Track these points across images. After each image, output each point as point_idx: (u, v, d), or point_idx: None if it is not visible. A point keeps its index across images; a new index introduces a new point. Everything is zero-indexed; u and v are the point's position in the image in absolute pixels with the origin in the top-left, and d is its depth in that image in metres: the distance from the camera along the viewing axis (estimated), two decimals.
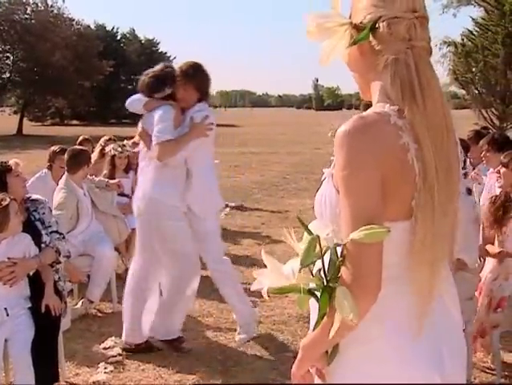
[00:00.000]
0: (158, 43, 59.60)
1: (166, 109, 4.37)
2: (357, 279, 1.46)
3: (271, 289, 1.54)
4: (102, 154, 6.86)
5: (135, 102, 4.61)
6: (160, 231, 4.40)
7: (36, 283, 3.65)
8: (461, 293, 3.70)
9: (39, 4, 39.15)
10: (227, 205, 11.06)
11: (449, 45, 22.83)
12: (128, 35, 59.05)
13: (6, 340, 3.43)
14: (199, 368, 4.30)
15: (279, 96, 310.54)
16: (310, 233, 1.52)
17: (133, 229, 6.25)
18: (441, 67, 22.60)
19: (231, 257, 7.11)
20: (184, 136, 4.39)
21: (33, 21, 38.24)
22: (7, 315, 3.46)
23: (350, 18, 1.64)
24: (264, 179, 14.91)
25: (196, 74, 4.54)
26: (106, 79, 42.23)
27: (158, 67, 4.55)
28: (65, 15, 40.35)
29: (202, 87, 4.58)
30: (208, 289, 5.45)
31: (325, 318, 1.52)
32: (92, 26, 52.50)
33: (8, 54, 39.79)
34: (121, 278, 6.05)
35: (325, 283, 1.50)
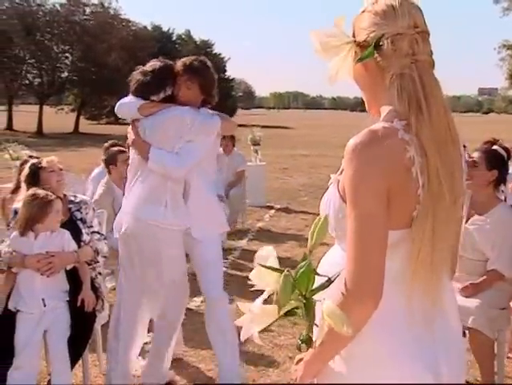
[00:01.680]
0: (213, 44, 60.12)
1: (181, 109, 3.73)
2: (359, 287, 1.51)
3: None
4: None
5: (126, 105, 3.80)
6: (150, 257, 3.78)
7: (75, 279, 3.75)
8: (494, 302, 3.70)
9: (98, 5, 40.03)
10: (273, 207, 11.15)
11: (508, 48, 22.37)
12: (183, 36, 59.77)
13: (45, 331, 3.55)
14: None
15: (333, 98, 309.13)
16: (277, 270, 1.54)
17: None
18: (500, 71, 22.20)
19: None
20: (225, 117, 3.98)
21: (91, 22, 39.17)
22: (44, 306, 3.57)
23: (353, 36, 1.68)
24: (312, 181, 14.93)
25: (202, 71, 3.87)
26: None
27: (155, 63, 3.80)
28: (121, 16, 41.20)
29: (208, 87, 3.91)
30: (241, 289, 5.49)
31: (323, 334, 1.54)
32: (149, 27, 53.47)
33: (67, 54, 40.88)
34: None
35: (303, 300, 1.53)
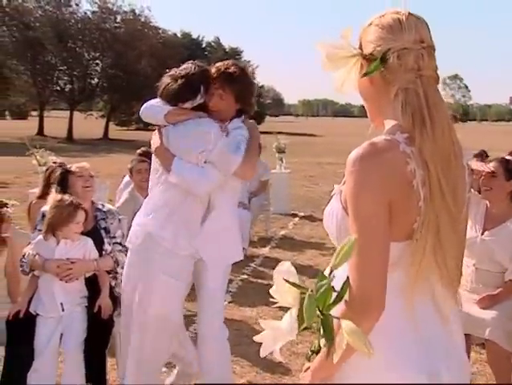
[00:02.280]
0: (241, 52, 60.37)
1: (210, 125, 3.36)
2: (361, 299, 1.53)
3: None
4: None
5: (152, 109, 3.46)
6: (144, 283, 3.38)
7: (94, 286, 3.83)
8: None
9: (129, 13, 40.48)
10: (297, 215, 11.15)
11: None
12: (212, 43, 60.11)
13: (62, 334, 3.62)
14: (250, 373, 4.38)
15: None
16: (299, 287, 1.55)
17: None
18: None
19: (295, 266, 7.21)
20: (251, 146, 3.44)
21: (122, 29, 39.60)
22: (63, 310, 3.65)
23: (359, 48, 1.70)
24: None
25: (238, 79, 3.42)
26: None
27: (189, 66, 3.42)
28: (152, 24, 41.58)
29: (244, 96, 3.50)
30: (261, 296, 5.51)
31: (339, 350, 1.55)
32: (179, 35, 53.91)
33: (97, 61, 41.41)
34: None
35: (320, 315, 1.54)
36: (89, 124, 43.67)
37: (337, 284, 1.60)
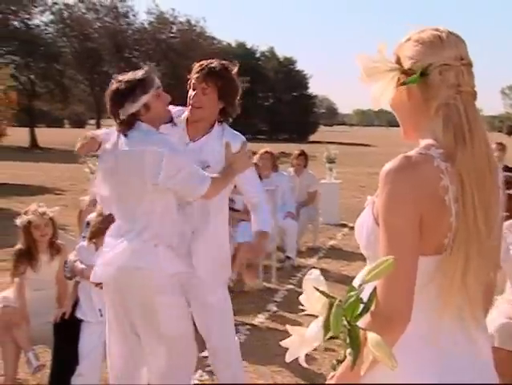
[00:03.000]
0: (295, 61, 60.49)
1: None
2: (387, 312, 1.53)
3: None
4: None
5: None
6: (143, 309, 3.09)
7: None
8: None
9: (184, 23, 41.10)
10: (346, 225, 11.07)
11: None
12: (266, 53, 60.42)
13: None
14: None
15: None
16: (329, 296, 1.56)
17: (239, 243, 6.49)
18: None
19: (341, 277, 7.19)
20: (227, 172, 3.31)
21: (177, 39, 40.23)
22: (101, 316, 3.72)
23: (397, 63, 1.70)
24: None
25: (220, 73, 3.31)
26: (242, 96, 43.38)
27: (136, 72, 3.15)
28: (207, 34, 42.10)
29: (227, 94, 3.37)
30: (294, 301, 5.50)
31: (367, 362, 1.55)
32: (233, 45, 54.41)
33: None
34: (230, 290, 6.30)
35: (347, 326, 1.54)
36: None
37: (365, 294, 1.60)
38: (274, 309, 6.16)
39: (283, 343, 1.62)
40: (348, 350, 1.57)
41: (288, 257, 7.95)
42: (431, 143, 1.62)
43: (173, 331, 3.12)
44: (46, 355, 4.32)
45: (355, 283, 1.75)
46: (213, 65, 3.33)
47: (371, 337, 1.45)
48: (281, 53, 64.46)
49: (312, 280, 1.60)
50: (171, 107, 3.40)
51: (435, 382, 1.59)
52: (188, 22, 41.02)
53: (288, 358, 1.63)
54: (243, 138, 3.55)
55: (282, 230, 7.94)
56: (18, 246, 4.27)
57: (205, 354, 4.77)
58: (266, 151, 8.24)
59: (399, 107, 1.75)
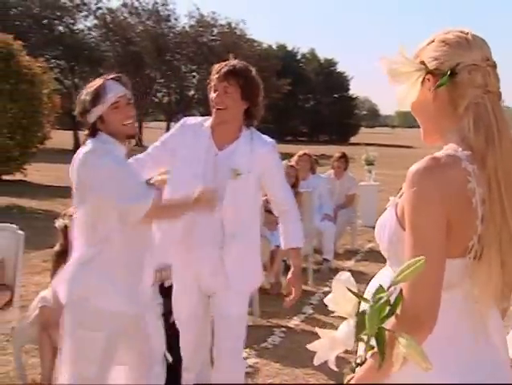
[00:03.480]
0: (336, 63, 60.19)
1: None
2: (414, 313, 1.51)
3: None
4: None
5: None
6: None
7: (168, 293, 3.90)
8: None
9: (225, 26, 41.30)
10: None
11: None
12: (307, 55, 60.28)
13: None
14: None
15: None
16: (362, 298, 1.55)
17: (277, 246, 6.48)
18: None
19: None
20: (185, 203, 3.15)
21: (218, 42, 40.44)
22: None
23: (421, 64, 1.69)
24: None
25: (242, 72, 3.26)
26: (283, 98, 43.45)
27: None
28: (247, 36, 42.18)
29: (250, 93, 3.29)
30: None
31: (397, 363, 1.53)
32: (274, 47, 54.45)
33: (194, 74, 42.49)
34: (267, 293, 6.34)
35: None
36: None
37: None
38: (310, 311, 6.14)
39: (311, 347, 1.62)
40: (369, 353, 1.56)
41: (325, 260, 7.92)
42: (457, 145, 1.61)
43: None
44: None
45: (373, 285, 1.73)
46: (232, 64, 3.27)
47: (403, 338, 1.44)
48: (322, 54, 64.32)
49: (342, 281, 1.60)
50: (195, 118, 3.46)
51: (457, 381, 1.58)
52: (229, 24, 41.19)
53: (316, 361, 1.63)
54: (273, 142, 3.47)
55: (320, 232, 7.92)
56: (57, 248, 4.35)
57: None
58: (305, 153, 8.24)
59: (422, 109, 1.73)
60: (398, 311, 1.52)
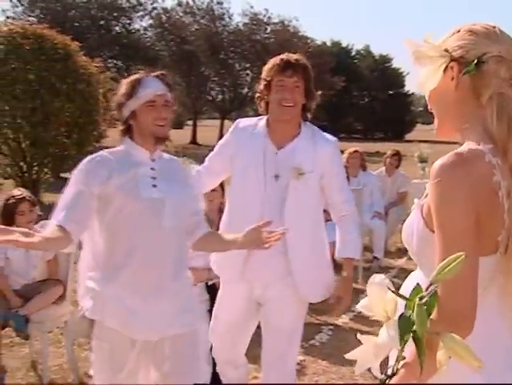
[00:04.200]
0: (391, 59, 59.36)
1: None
2: (452, 313, 1.49)
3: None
4: None
5: None
6: None
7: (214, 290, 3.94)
8: None
9: (278, 24, 41.26)
10: None
11: None
12: (362, 51, 59.67)
13: None
14: None
15: None
16: (405, 298, 1.52)
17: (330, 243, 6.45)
18: None
19: None
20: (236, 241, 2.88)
21: (271, 40, 40.45)
22: None
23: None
24: None
25: (307, 66, 3.18)
26: (337, 95, 43.15)
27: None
28: (300, 34, 42.05)
29: (311, 88, 3.19)
30: None
31: (441, 367, 1.51)
32: (328, 43, 54.13)
33: (248, 72, 42.62)
34: None
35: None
36: None
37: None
38: (359, 309, 6.08)
39: (349, 356, 1.55)
40: (401, 363, 1.52)
41: (375, 258, 7.86)
42: (478, 137, 1.58)
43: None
44: None
45: (406, 288, 1.70)
46: (295, 58, 3.14)
47: (450, 338, 1.40)
48: (377, 51, 63.55)
49: (376, 284, 1.57)
50: (249, 119, 3.34)
51: (497, 382, 1.57)
52: (282, 22, 41.14)
53: (358, 370, 1.56)
54: (336, 140, 3.32)
55: (370, 230, 7.85)
56: None
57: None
58: (355, 151, 8.19)
59: (441, 98, 1.70)
60: (434, 313, 1.50)
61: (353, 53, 58.82)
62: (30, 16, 35.99)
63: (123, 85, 2.81)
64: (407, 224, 1.71)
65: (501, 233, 1.54)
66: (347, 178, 6.95)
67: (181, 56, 38.84)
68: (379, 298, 1.54)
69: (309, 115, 3.28)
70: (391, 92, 56.51)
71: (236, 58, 41.84)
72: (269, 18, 41.08)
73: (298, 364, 4.66)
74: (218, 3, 41.03)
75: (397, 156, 9.12)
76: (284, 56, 3.15)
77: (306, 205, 3.17)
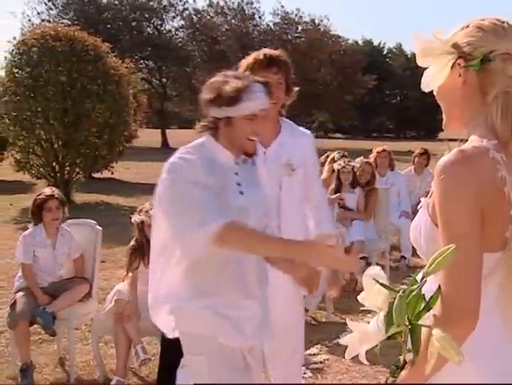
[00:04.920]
0: None
1: None
2: (455, 308, 1.49)
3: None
4: (333, 169, 7.07)
5: None
6: None
7: None
8: None
9: (309, 23, 41.17)
10: None
11: None
12: (394, 50, 59.22)
13: None
14: None
15: None
16: (391, 289, 1.53)
17: (352, 243, 6.44)
18: None
19: None
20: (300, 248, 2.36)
21: (302, 39, 40.39)
22: None
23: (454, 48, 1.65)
24: None
25: (288, 63, 3.11)
26: (369, 94, 42.96)
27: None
28: (331, 32, 41.90)
29: (290, 85, 3.12)
30: None
31: (431, 361, 1.52)
32: (360, 42, 53.90)
33: None
34: (342, 289, 6.30)
35: (407, 324, 1.51)
36: None
37: (426, 288, 1.57)
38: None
39: (342, 341, 1.61)
40: (408, 356, 1.54)
41: (403, 257, 7.81)
42: (483, 134, 1.58)
43: None
44: (153, 348, 4.55)
45: (418, 277, 1.71)
46: (276, 54, 3.07)
47: (436, 332, 1.42)
48: (409, 49, 62.82)
49: (372, 276, 1.59)
50: None
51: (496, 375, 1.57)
52: (313, 21, 41.03)
53: (347, 355, 1.62)
54: (310, 133, 3.30)
55: (397, 230, 7.81)
56: (132, 242, 4.50)
57: (309, 351, 4.83)
58: (383, 150, 8.16)
59: (449, 94, 1.69)
60: (436, 308, 1.50)
61: (385, 51, 58.47)
62: (63, 18, 36.57)
63: (230, 84, 2.43)
64: (414, 225, 1.71)
65: (509, 228, 1.54)
66: (373, 177, 6.99)
67: (212, 56, 39.01)
68: (372, 289, 1.57)
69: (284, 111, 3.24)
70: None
71: None
72: (300, 17, 41.04)
73: (321, 363, 4.67)
74: (249, 3, 41.13)
75: (426, 154, 9.02)
76: (266, 52, 3.06)
77: (297, 200, 3.16)
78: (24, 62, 12.68)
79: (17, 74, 12.54)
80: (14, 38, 13.36)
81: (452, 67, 1.64)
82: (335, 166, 6.79)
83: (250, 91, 2.44)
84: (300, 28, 41.31)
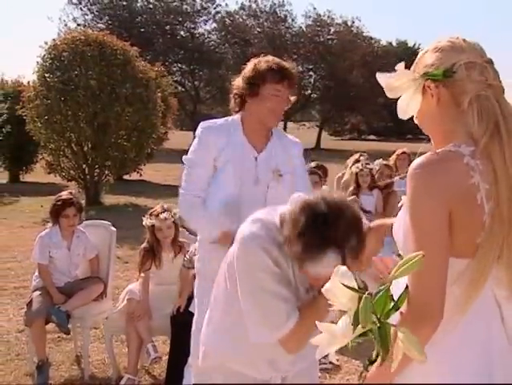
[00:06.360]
0: None
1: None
2: (420, 308, 1.54)
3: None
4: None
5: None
6: None
7: None
8: None
9: (341, 25, 41.03)
10: None
11: None
12: None
13: None
14: None
15: None
16: (356, 291, 1.57)
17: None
18: None
19: None
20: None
21: (334, 41, 40.27)
22: None
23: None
24: None
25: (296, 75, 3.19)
26: None
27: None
28: (364, 34, 41.69)
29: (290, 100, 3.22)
30: None
31: (398, 357, 1.56)
32: (394, 44, 53.39)
33: (311, 73, 42.58)
34: None
35: (378, 323, 1.54)
36: (301, 134, 44.96)
37: (397, 291, 1.61)
38: None
39: (313, 341, 1.61)
40: (377, 349, 1.58)
41: None
42: (462, 140, 1.61)
43: None
44: (166, 347, 4.63)
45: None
46: (288, 66, 3.09)
47: (401, 331, 1.46)
48: None
49: (339, 276, 1.63)
50: (216, 121, 3.22)
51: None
52: (345, 22, 40.88)
53: (318, 355, 1.64)
54: (299, 141, 3.38)
55: None
56: (144, 244, 4.60)
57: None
58: (403, 152, 8.13)
59: (427, 116, 1.74)
60: (403, 307, 1.54)
61: (419, 53, 57.79)
62: (98, 23, 37.11)
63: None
64: (396, 220, 1.75)
65: (481, 234, 1.55)
66: (390, 178, 6.97)
67: (245, 59, 38.93)
68: (340, 289, 1.60)
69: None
70: None
71: (299, 60, 41.83)
72: (332, 19, 40.91)
73: (331, 363, 4.69)
74: (281, 5, 41.17)
75: None
76: (278, 62, 3.07)
77: (283, 203, 3.09)
78: (55, 66, 12.91)
79: (48, 79, 12.76)
80: (46, 43, 13.60)
81: (423, 92, 1.69)
82: (353, 168, 6.79)
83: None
84: (332, 30, 41.20)
